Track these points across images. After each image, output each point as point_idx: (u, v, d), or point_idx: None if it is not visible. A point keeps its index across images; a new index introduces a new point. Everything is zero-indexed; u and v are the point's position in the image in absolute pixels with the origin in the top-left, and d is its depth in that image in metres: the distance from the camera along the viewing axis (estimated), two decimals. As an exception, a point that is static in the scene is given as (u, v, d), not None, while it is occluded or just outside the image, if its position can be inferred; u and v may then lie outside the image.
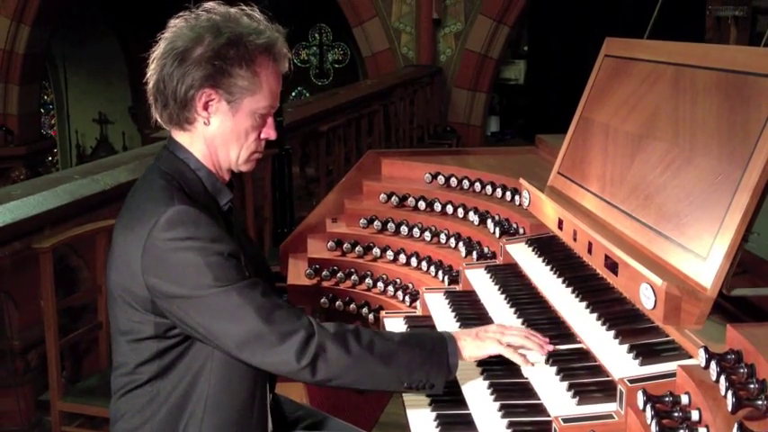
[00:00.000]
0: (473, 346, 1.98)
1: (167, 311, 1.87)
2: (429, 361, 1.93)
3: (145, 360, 1.93)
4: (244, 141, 1.99)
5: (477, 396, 1.98)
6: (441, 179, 3.26)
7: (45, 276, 3.52)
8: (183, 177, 1.96)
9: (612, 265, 2.04)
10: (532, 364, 1.94)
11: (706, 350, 1.57)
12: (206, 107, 1.94)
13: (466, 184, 3.18)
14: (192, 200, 1.90)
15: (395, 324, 2.54)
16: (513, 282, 2.46)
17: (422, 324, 2.49)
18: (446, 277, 2.82)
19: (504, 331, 2.01)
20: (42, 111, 11.72)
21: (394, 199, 3.27)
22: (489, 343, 1.98)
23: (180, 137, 2.00)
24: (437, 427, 1.96)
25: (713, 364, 1.53)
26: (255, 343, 1.85)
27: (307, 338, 1.85)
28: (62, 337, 3.66)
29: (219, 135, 1.97)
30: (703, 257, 1.77)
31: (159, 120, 2.00)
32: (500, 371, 2.07)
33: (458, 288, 2.69)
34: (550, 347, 1.97)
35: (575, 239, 2.31)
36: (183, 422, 1.94)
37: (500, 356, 2.00)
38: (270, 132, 2.02)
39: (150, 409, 1.94)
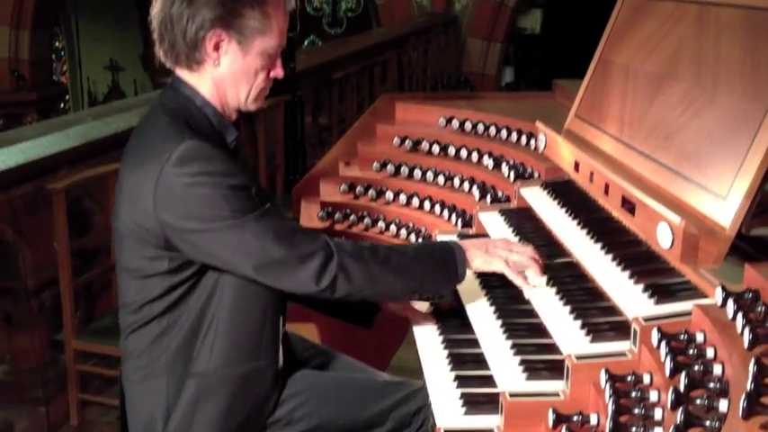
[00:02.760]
0: (481, 259, 2.06)
1: (183, 246, 1.87)
2: (439, 272, 2.03)
3: (154, 297, 1.93)
4: (253, 81, 1.98)
5: (491, 336, 1.99)
6: (455, 123, 3.23)
7: (58, 217, 3.54)
8: (188, 114, 1.93)
9: (629, 206, 2.02)
10: (534, 286, 2.02)
11: (723, 288, 1.56)
12: (216, 48, 1.92)
13: (480, 128, 3.15)
14: (199, 135, 1.89)
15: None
16: (526, 225, 2.45)
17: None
18: (459, 221, 2.80)
19: (513, 248, 2.08)
20: (54, 57, 11.66)
21: (408, 143, 3.24)
22: (497, 261, 2.05)
23: (186, 76, 1.97)
24: (454, 380, 1.96)
25: (730, 302, 1.51)
26: (276, 267, 1.88)
27: (325, 260, 1.90)
28: (75, 277, 3.70)
29: (229, 75, 1.95)
30: (723, 197, 1.74)
31: (164, 59, 1.97)
32: (515, 311, 2.07)
33: (471, 231, 2.68)
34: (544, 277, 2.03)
35: (591, 181, 2.28)
36: (194, 352, 1.95)
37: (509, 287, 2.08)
38: (278, 71, 2.01)
39: (160, 345, 1.95)
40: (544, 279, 2.02)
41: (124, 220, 1.92)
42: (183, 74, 1.97)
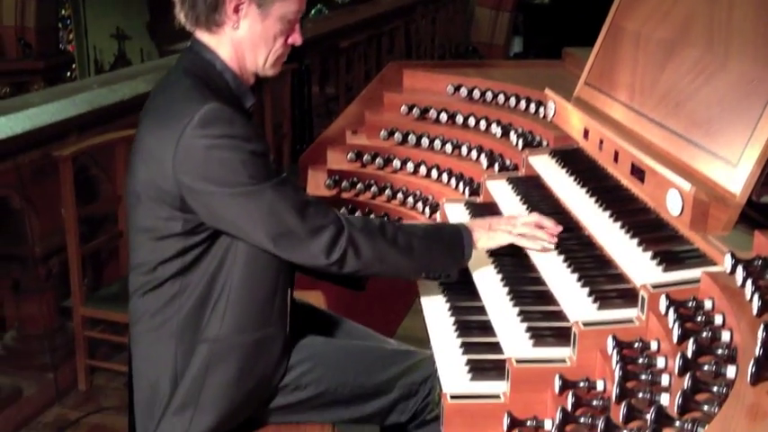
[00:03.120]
0: (486, 237, 2.09)
1: (198, 208, 1.88)
2: (446, 253, 2.06)
3: (167, 258, 1.93)
4: (272, 46, 1.98)
5: (498, 303, 1.98)
6: (463, 91, 3.20)
7: (65, 184, 3.54)
8: (208, 77, 1.95)
9: (639, 173, 2.00)
10: (545, 250, 2.03)
11: (732, 255, 1.55)
12: (236, 10, 1.93)
13: (489, 96, 3.12)
14: (220, 99, 1.89)
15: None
16: (534, 193, 2.43)
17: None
18: (467, 189, 2.79)
19: (515, 222, 2.10)
20: (60, 26, 11.59)
21: (415, 111, 3.22)
22: (501, 234, 2.09)
23: (206, 38, 1.98)
24: (461, 346, 1.95)
25: (739, 269, 1.50)
26: (287, 238, 1.89)
27: (336, 234, 1.92)
28: (83, 245, 3.71)
29: (248, 39, 1.96)
30: (733, 164, 1.73)
31: (183, 20, 1.98)
32: (522, 278, 2.07)
33: (478, 200, 2.67)
34: (560, 228, 2.06)
35: (600, 149, 2.27)
36: (204, 319, 1.95)
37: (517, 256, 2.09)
38: (296, 38, 2.02)
39: (172, 308, 1.96)
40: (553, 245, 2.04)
41: (140, 180, 1.92)
42: (202, 36, 1.98)
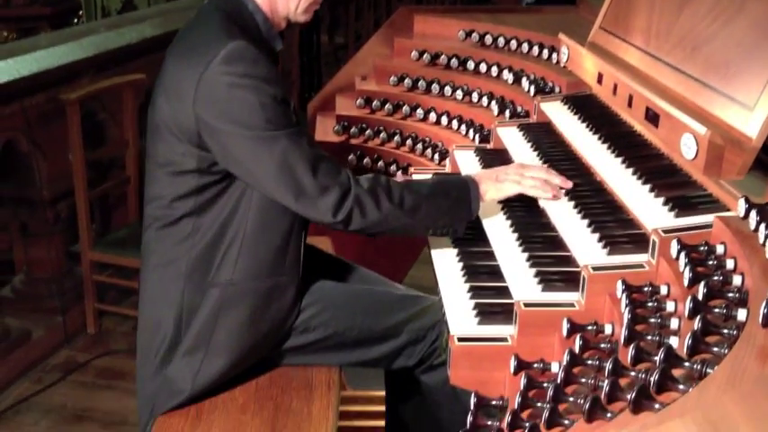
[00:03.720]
0: (494, 189, 2.06)
1: (213, 146, 1.87)
2: (453, 209, 2.04)
3: (182, 194, 1.93)
4: None
5: (507, 248, 1.97)
6: (475, 37, 3.16)
7: (72, 128, 3.53)
8: (239, 16, 1.94)
9: (653, 117, 1.97)
10: (553, 198, 2.01)
11: (746, 200, 1.53)
12: None
13: (501, 41, 3.07)
14: (249, 39, 1.88)
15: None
16: (546, 139, 2.41)
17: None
18: (477, 136, 2.77)
19: (524, 172, 2.06)
20: (67, -29, 11.46)
21: (426, 57, 3.18)
22: (509, 185, 2.06)
23: None
24: (469, 291, 1.95)
25: (753, 214, 1.48)
26: (295, 190, 1.88)
27: (343, 194, 1.91)
28: (90, 189, 3.70)
29: None
30: (750, 108, 1.70)
31: None
32: (531, 224, 2.06)
33: (488, 147, 2.64)
34: (570, 184, 2.02)
35: (614, 94, 2.23)
36: (216, 260, 1.95)
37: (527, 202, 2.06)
38: None
39: (184, 246, 1.95)
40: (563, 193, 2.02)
41: (161, 113, 1.91)
42: None
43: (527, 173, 2.06)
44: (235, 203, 1.94)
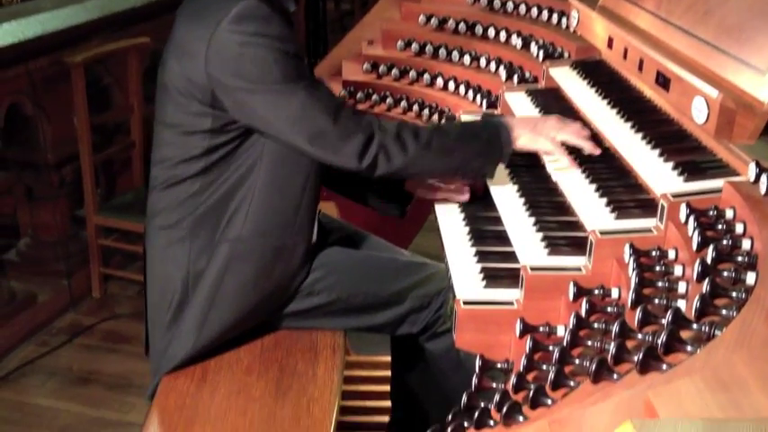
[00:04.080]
0: (527, 138, 2.02)
1: (229, 104, 1.86)
2: (483, 153, 2.01)
3: (192, 155, 1.92)
4: None
5: (514, 213, 1.96)
6: (483, 1, 3.12)
7: (77, 91, 3.51)
8: None
9: (664, 81, 1.95)
10: (578, 167, 1.95)
11: (757, 164, 1.51)
12: None
13: (510, 6, 3.04)
14: None
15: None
16: (554, 105, 2.38)
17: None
18: (484, 102, 2.74)
19: (562, 128, 2.02)
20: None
21: (433, 21, 3.15)
22: (543, 140, 2.01)
23: None
24: (475, 255, 1.93)
25: (764, 178, 1.47)
26: (319, 139, 1.88)
27: (368, 139, 1.90)
28: (96, 154, 3.70)
29: None
30: (763, 72, 1.67)
31: None
32: (538, 189, 2.04)
33: (496, 113, 2.62)
34: (598, 151, 1.99)
35: (625, 58, 2.20)
36: (224, 218, 1.95)
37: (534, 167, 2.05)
38: None
39: (189, 205, 1.95)
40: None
41: (171, 73, 1.89)
42: None
43: (565, 129, 2.02)
44: (245, 163, 1.93)
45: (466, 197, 2.16)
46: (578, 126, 2.04)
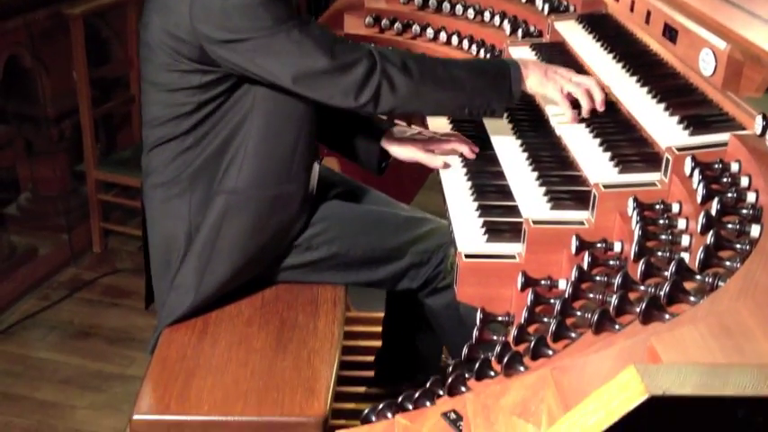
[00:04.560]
0: (537, 80, 1.97)
1: (220, 57, 1.82)
2: (491, 87, 1.95)
3: (182, 113, 1.90)
4: None
5: (516, 168, 1.95)
6: (488, -46, 3.06)
7: (76, 44, 3.48)
8: None
9: (671, 33, 1.92)
10: (578, 121, 1.92)
11: (764, 117, 1.49)
12: None
13: (515, -41, 2.98)
14: None
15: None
16: (559, 59, 2.34)
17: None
18: (488, 56, 2.70)
19: (572, 78, 1.97)
20: None
21: (437, -26, 3.09)
22: (552, 86, 1.96)
23: None
24: (477, 209, 1.92)
25: (771, 131, 1.45)
26: (317, 78, 1.83)
27: (368, 69, 1.84)
28: (95, 108, 3.67)
29: None
30: (772, 23, 1.65)
31: None
32: (541, 144, 2.03)
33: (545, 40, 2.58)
34: (603, 108, 1.95)
35: (632, 10, 2.17)
36: (219, 170, 1.93)
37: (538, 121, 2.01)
38: None
39: (184, 161, 1.93)
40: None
41: (155, 30, 1.85)
42: None
43: (575, 78, 1.98)
44: (237, 115, 1.90)
45: (438, 164, 2.10)
46: (590, 81, 1.99)
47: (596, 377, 0.93)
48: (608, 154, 1.78)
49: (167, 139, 1.93)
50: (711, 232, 1.27)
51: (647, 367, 0.73)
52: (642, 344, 0.96)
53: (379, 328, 2.82)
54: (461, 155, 2.12)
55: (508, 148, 2.05)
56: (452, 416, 1.05)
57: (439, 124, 2.33)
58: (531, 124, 2.14)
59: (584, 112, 1.94)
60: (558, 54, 2.38)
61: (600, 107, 1.95)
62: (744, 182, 1.45)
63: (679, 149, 1.60)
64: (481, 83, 1.94)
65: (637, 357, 0.94)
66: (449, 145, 2.14)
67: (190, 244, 1.97)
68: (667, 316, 1.09)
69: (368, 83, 1.84)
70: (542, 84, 1.96)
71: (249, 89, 1.89)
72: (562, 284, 1.58)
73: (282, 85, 1.85)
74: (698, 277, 1.19)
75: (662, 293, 1.14)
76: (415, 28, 3.00)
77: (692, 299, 1.12)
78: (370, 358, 2.72)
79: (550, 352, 1.28)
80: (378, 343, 2.77)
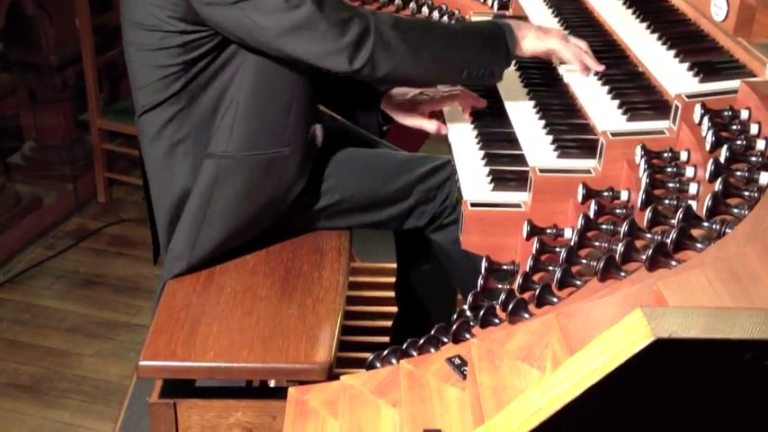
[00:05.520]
0: (534, 37, 1.91)
1: (208, 16, 1.76)
2: (488, 47, 1.89)
3: (167, 74, 1.84)
4: None
5: (523, 115, 1.93)
6: None
7: (78, -10, 3.43)
8: None
9: (683, -21, 1.88)
10: (586, 73, 1.87)
11: (776, 64, 1.47)
12: None
13: None
14: None
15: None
16: (567, 6, 2.31)
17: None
18: (495, 3, 2.66)
19: (567, 37, 1.93)
20: None
21: None
22: (552, 39, 1.91)
23: None
24: (483, 158, 1.90)
25: (783, 77, 1.43)
26: (307, 31, 1.74)
27: (363, 29, 1.77)
28: (98, 56, 3.63)
29: None
30: (786, -33, 1.61)
31: None
32: (549, 92, 2.00)
33: (507, 14, 2.54)
34: (602, 67, 1.88)
35: (642, -45, 2.12)
36: (210, 134, 1.89)
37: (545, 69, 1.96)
38: None
39: (175, 124, 1.89)
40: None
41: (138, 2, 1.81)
42: None
43: (570, 39, 1.93)
44: (225, 77, 1.85)
45: (433, 128, 2.08)
46: (582, 43, 1.93)
47: (601, 322, 0.93)
48: (616, 102, 1.75)
49: (157, 103, 1.88)
50: (720, 179, 1.26)
51: (654, 310, 0.73)
52: (648, 289, 0.96)
53: (384, 279, 2.83)
54: (470, 110, 2.11)
55: (515, 97, 2.02)
56: (457, 361, 1.06)
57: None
58: (539, 72, 2.11)
59: (590, 64, 1.89)
60: (567, 1, 2.34)
61: (596, 67, 1.88)
62: (753, 129, 1.43)
63: (688, 97, 1.58)
64: (478, 44, 1.87)
65: (642, 302, 0.93)
66: (455, 101, 2.12)
67: (183, 209, 1.94)
68: (674, 263, 1.08)
69: (363, 44, 1.76)
70: (541, 40, 1.90)
71: (237, 50, 1.83)
72: (568, 233, 1.57)
73: (271, 44, 1.78)
74: (705, 224, 1.18)
75: (670, 238, 1.13)
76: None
77: (698, 245, 1.11)
78: (375, 308, 2.73)
79: (555, 299, 1.28)
80: (383, 293, 2.78)
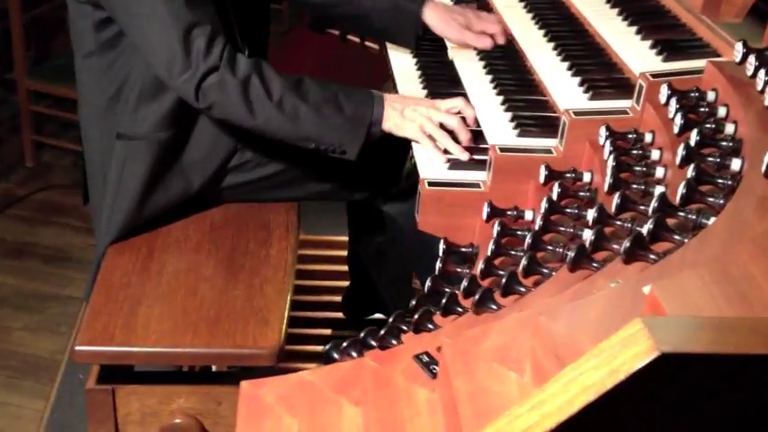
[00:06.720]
0: (393, 123, 1.77)
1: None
2: (345, 127, 1.77)
3: (88, 51, 1.86)
4: None
5: (481, 92, 1.86)
6: None
7: (2, -59, 3.21)
8: None
9: (647, -48, 1.83)
10: (443, 153, 1.72)
11: (745, 44, 1.42)
12: None
13: None
14: None
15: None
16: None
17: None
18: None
19: (434, 117, 1.75)
20: None
21: None
22: (410, 126, 1.75)
23: None
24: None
25: (751, 59, 1.39)
26: (158, 52, 1.72)
27: (207, 71, 1.70)
28: (25, 13, 3.44)
29: None
30: (756, -56, 1.57)
31: None
32: (508, 67, 1.94)
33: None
34: (466, 156, 1.70)
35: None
36: (118, 117, 1.88)
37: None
38: None
39: (96, 99, 1.90)
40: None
41: None
42: None
43: (438, 116, 1.75)
44: (128, 59, 1.83)
45: (486, 44, 2.04)
46: (457, 120, 1.75)
47: (584, 323, 0.88)
48: (577, 79, 1.71)
49: (84, 73, 1.91)
50: (692, 166, 1.21)
51: (654, 320, 0.67)
52: (631, 288, 0.91)
53: (334, 252, 2.76)
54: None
55: (472, 70, 1.96)
56: (425, 358, 1.00)
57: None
58: (498, 46, 2.05)
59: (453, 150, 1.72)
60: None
61: (465, 143, 1.73)
62: (721, 112, 1.39)
63: (653, 76, 1.53)
64: (334, 121, 1.75)
65: (626, 302, 0.89)
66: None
67: (104, 180, 1.93)
68: (652, 256, 1.04)
69: (200, 86, 1.70)
70: (399, 127, 1.76)
71: None
72: (528, 215, 1.52)
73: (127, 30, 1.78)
74: (680, 213, 1.13)
75: (647, 228, 1.08)
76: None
77: (676, 237, 1.07)
78: (324, 283, 2.67)
79: (523, 289, 1.23)
80: (333, 267, 2.72)
